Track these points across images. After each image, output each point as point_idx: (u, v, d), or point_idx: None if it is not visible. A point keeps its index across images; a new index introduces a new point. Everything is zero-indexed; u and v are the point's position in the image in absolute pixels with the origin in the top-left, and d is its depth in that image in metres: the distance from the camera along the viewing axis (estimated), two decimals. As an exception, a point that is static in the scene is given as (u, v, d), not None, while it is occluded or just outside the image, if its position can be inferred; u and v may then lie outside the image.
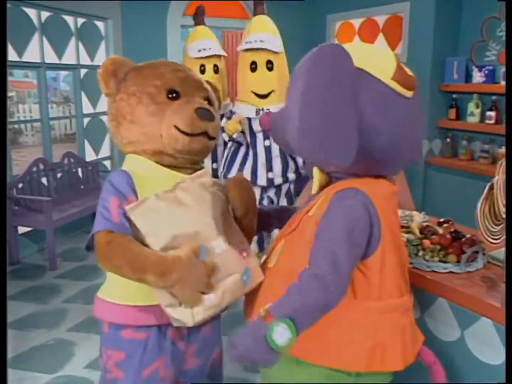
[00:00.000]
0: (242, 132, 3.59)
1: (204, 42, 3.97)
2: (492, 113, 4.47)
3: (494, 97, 4.44)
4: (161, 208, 1.42)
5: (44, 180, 4.45)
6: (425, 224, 2.00)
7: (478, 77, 4.58)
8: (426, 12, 4.76)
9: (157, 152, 1.54)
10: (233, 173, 3.57)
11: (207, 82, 1.71)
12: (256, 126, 3.60)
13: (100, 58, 5.14)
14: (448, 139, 4.94)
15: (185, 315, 1.39)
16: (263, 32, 3.69)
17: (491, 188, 1.70)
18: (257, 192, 3.62)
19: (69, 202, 4.56)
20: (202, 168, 1.61)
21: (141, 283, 1.37)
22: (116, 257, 1.35)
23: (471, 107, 4.66)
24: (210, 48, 3.92)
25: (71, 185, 4.81)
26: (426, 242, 1.84)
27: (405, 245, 1.86)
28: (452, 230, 1.96)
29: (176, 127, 1.50)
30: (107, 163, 5.41)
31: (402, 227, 2.04)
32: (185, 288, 1.36)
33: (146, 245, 1.39)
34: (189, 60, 3.92)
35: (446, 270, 1.76)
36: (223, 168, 3.70)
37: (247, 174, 3.49)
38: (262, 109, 3.59)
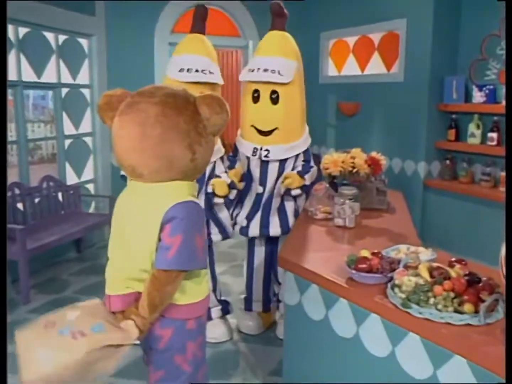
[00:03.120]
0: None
1: (193, 59, 2.92)
2: (493, 134, 4.28)
3: (495, 118, 4.27)
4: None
5: (20, 206, 4.17)
6: (435, 265, 1.75)
7: (478, 96, 4.40)
8: (424, 29, 4.59)
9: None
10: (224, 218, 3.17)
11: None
12: (254, 167, 3.12)
13: (83, 76, 4.92)
14: (447, 161, 4.77)
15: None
16: (271, 55, 3.02)
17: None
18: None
19: (47, 229, 4.28)
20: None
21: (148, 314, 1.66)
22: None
23: (472, 128, 4.48)
24: (199, 71, 2.86)
25: (50, 210, 4.54)
26: (438, 289, 1.59)
27: (414, 291, 1.62)
28: (467, 272, 1.70)
29: None
30: (90, 186, 5.14)
31: (409, 267, 1.79)
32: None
33: None
34: (168, 81, 2.92)
35: (463, 322, 1.51)
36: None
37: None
38: (261, 149, 3.03)
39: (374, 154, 2.88)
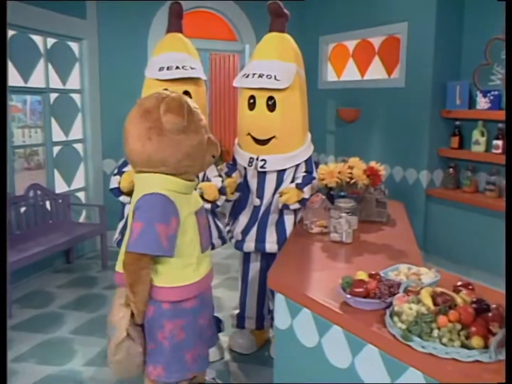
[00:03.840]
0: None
1: (171, 56, 2.74)
2: (498, 142, 4.12)
3: (500, 125, 4.11)
4: None
5: (5, 215, 3.99)
6: (439, 290, 1.57)
7: (482, 102, 4.24)
8: (426, 33, 4.45)
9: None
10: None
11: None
12: (251, 178, 2.92)
13: (74, 81, 4.76)
14: (450, 170, 4.61)
15: None
16: (268, 59, 2.81)
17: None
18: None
19: (33, 239, 4.10)
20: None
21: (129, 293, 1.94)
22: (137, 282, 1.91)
23: (476, 135, 4.32)
24: (180, 67, 2.68)
25: (37, 220, 4.37)
26: (443, 320, 1.41)
27: (415, 321, 1.44)
28: (474, 299, 1.52)
29: None
30: (81, 195, 4.98)
31: (410, 292, 1.62)
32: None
33: None
34: (149, 82, 2.74)
35: (471, 358, 1.34)
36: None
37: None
38: (257, 158, 2.83)
39: (373, 164, 2.70)
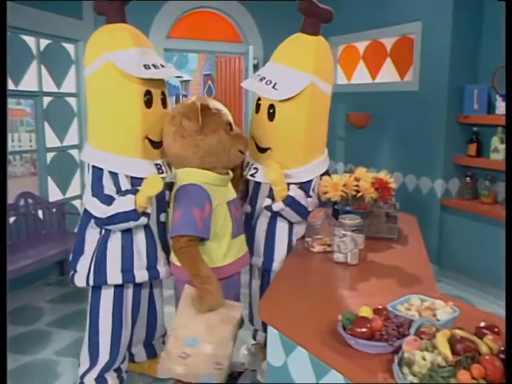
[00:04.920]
0: None
1: (147, 53, 2.37)
2: (520, 150, 3.80)
3: (522, 131, 3.79)
4: None
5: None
6: (459, 333, 1.30)
7: (502, 107, 3.95)
8: (441, 33, 4.17)
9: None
10: None
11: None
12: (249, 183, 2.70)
13: (69, 84, 4.54)
14: (467, 179, 4.33)
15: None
16: (278, 62, 2.54)
17: None
18: None
19: (23, 251, 3.88)
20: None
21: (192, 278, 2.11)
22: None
23: (495, 142, 4.03)
24: (163, 66, 2.36)
25: (29, 230, 4.14)
26: (465, 376, 1.14)
27: (430, 375, 1.18)
28: (502, 348, 1.25)
29: None
30: (77, 203, 4.75)
31: (422, 334, 1.35)
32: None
33: None
34: (124, 80, 2.25)
35: (500, 428, 1.06)
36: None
37: None
38: (252, 165, 2.61)
39: (382, 175, 2.43)
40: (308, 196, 2.50)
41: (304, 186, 2.53)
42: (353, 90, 5.22)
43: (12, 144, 11.48)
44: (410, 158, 4.59)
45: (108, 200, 2.25)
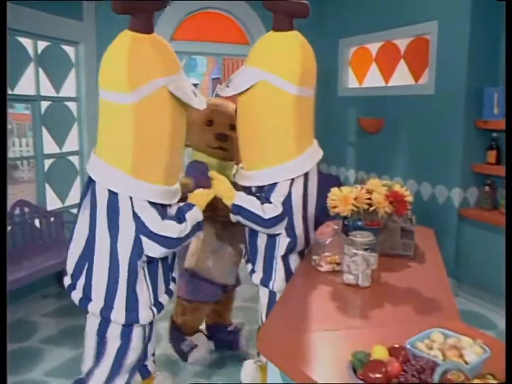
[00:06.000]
0: None
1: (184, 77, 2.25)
2: (544, 157, 3.55)
3: (546, 137, 3.54)
4: None
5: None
6: (492, 386, 1.08)
7: (525, 111, 3.68)
8: (459, 33, 3.96)
9: None
10: None
11: None
12: None
13: (69, 88, 4.38)
14: (486, 188, 4.10)
15: None
16: (245, 63, 2.50)
17: None
18: None
19: (18, 262, 3.71)
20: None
21: None
22: None
23: (517, 149, 3.76)
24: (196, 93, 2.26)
25: (25, 240, 3.98)
26: None
27: None
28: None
29: None
30: (76, 211, 4.57)
31: (448, 380, 1.13)
32: None
33: None
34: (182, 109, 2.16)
35: None
36: None
37: None
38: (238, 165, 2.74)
39: (397, 187, 2.20)
40: (267, 201, 2.34)
41: (266, 190, 2.38)
42: (365, 94, 5.01)
43: (20, 149, 11.41)
44: (425, 165, 4.36)
45: (179, 219, 2.17)
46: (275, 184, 2.37)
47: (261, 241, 2.45)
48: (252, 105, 2.40)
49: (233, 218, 2.39)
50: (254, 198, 2.34)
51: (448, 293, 1.96)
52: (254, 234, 2.47)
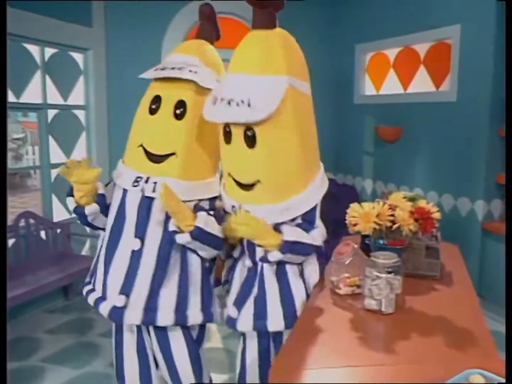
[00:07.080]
0: None
1: (174, 58, 2.21)
2: None
3: None
4: None
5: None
6: None
7: (553, 120, 3.49)
8: (483, 37, 3.80)
9: None
10: None
11: None
12: None
13: (77, 96, 4.26)
14: None
15: None
16: (242, 72, 1.98)
17: None
18: None
19: (22, 276, 3.59)
20: None
21: None
22: None
23: (545, 159, 3.57)
24: (176, 68, 2.08)
25: (31, 253, 3.86)
26: None
27: None
28: None
29: None
30: (84, 222, 4.45)
31: None
32: None
33: None
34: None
35: None
36: None
37: None
38: (240, 207, 2.01)
39: (423, 203, 2.02)
40: (312, 228, 2.05)
41: (308, 217, 2.05)
42: (382, 102, 4.84)
43: (34, 157, 11.39)
44: (447, 176, 4.17)
45: None
46: (312, 210, 2.06)
47: (292, 276, 2.09)
48: (282, 121, 1.95)
49: (275, 257, 1.95)
50: (299, 230, 2.01)
51: (481, 321, 1.79)
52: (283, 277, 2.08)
